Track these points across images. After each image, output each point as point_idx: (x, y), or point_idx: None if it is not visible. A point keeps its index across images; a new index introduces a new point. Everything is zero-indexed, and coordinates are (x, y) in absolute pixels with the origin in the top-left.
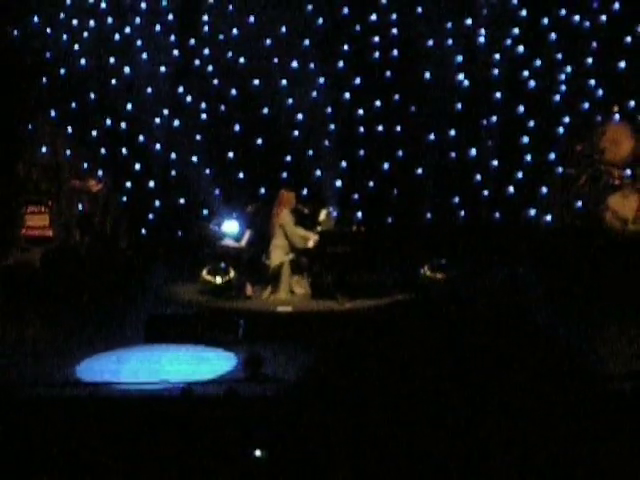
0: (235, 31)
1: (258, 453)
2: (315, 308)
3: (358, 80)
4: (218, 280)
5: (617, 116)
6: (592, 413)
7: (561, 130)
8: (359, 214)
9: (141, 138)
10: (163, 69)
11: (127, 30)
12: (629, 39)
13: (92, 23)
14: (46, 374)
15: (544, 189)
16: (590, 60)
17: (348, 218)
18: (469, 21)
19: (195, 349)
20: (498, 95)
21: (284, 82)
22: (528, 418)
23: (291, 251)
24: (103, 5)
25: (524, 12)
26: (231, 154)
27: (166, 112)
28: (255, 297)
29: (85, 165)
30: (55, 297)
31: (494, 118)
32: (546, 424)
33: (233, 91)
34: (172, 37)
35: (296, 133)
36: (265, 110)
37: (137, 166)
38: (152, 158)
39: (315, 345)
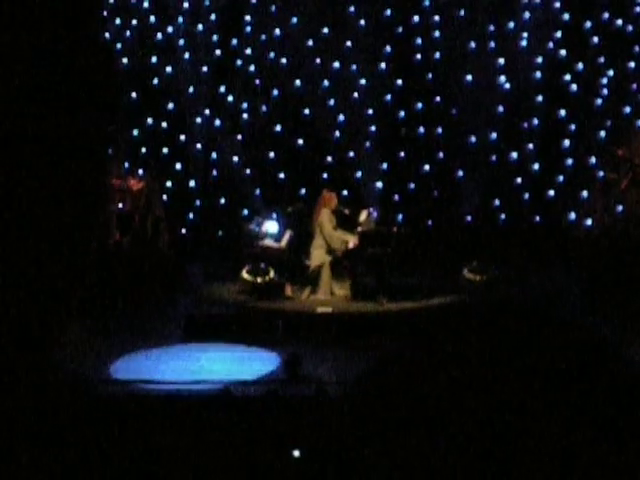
0: (277, 31)
1: (296, 453)
2: (355, 309)
3: (400, 82)
4: (258, 280)
5: None
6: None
7: (602, 134)
8: (399, 215)
9: (182, 137)
10: (205, 69)
11: (169, 29)
12: None
13: (134, 22)
14: (84, 372)
15: (585, 193)
16: (632, 64)
17: (389, 219)
18: (511, 24)
19: (235, 349)
20: (539, 98)
21: (326, 83)
22: (576, 418)
23: (330, 252)
24: (146, 4)
25: (566, 15)
26: (272, 154)
27: (207, 112)
28: (295, 298)
29: (126, 164)
30: (96, 295)
31: (535, 121)
32: (586, 422)
33: (275, 91)
34: (214, 37)
35: (337, 134)
36: (306, 111)
37: (178, 165)
38: (193, 158)
39: (354, 348)
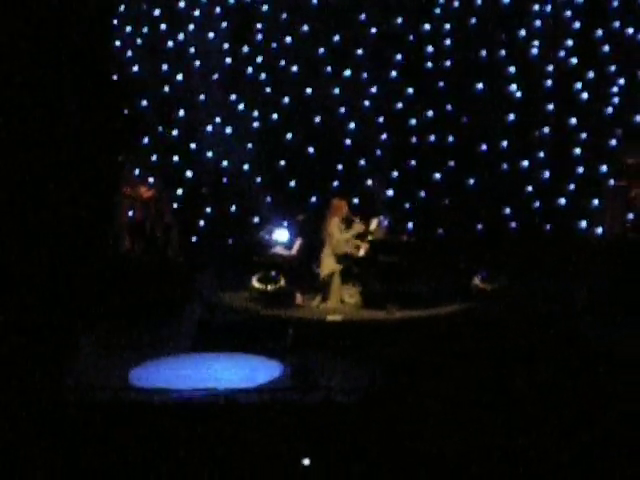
0: (288, 39)
1: (306, 462)
2: (365, 317)
3: (411, 90)
4: (268, 288)
5: None
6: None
7: (613, 142)
8: (410, 224)
9: (193, 145)
10: (216, 76)
11: (180, 37)
12: None
13: (145, 30)
14: (97, 379)
15: (595, 201)
16: None
17: (399, 228)
18: (522, 32)
19: (240, 357)
20: (550, 107)
21: (337, 91)
22: (573, 426)
23: (340, 261)
24: (157, 12)
25: (577, 24)
26: (283, 162)
27: (218, 120)
28: (305, 306)
29: (137, 172)
30: (106, 303)
31: (546, 129)
32: (597, 432)
33: (286, 99)
34: (225, 44)
35: (348, 142)
36: (317, 119)
37: (189, 173)
38: (204, 165)
39: (364, 356)
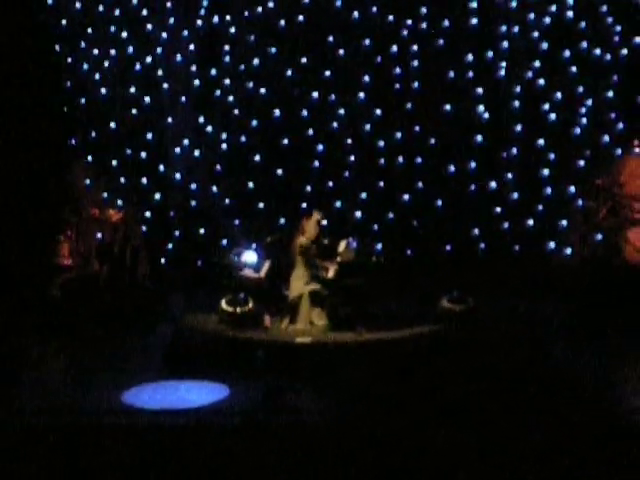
0: (256, 61)
1: None
2: (334, 339)
3: (379, 111)
4: (237, 310)
5: (637, 150)
6: (606, 446)
7: (581, 163)
8: (379, 245)
9: (161, 168)
10: (184, 99)
11: (148, 59)
12: None
13: (113, 52)
14: (62, 401)
15: (564, 222)
16: (611, 93)
17: (368, 249)
18: (490, 53)
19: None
20: (518, 128)
21: (305, 112)
22: (540, 449)
23: (309, 282)
24: (124, 34)
25: (545, 45)
26: (251, 184)
27: (186, 142)
28: (274, 328)
29: (105, 194)
30: (73, 326)
31: (514, 150)
32: (559, 456)
33: (254, 121)
34: (193, 67)
35: (316, 164)
36: (285, 140)
37: (157, 196)
38: (172, 188)
39: (333, 378)
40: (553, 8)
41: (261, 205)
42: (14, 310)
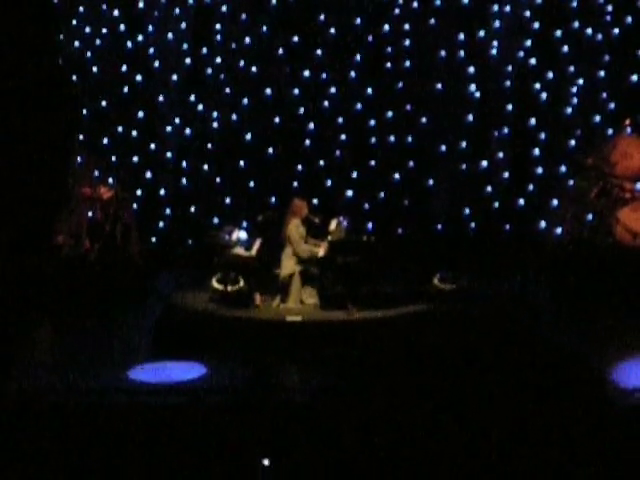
0: (247, 40)
1: (266, 462)
2: (325, 318)
3: (370, 90)
4: (228, 289)
5: (629, 129)
6: (602, 423)
7: (572, 143)
8: (370, 224)
9: (152, 146)
10: (175, 77)
11: (140, 38)
12: None
13: (104, 30)
14: (52, 381)
15: (555, 202)
16: (602, 73)
17: (359, 228)
18: (482, 33)
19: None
20: (509, 107)
21: (296, 91)
22: (533, 429)
23: (300, 261)
24: (116, 13)
25: (536, 24)
26: (242, 163)
27: (178, 120)
28: (264, 306)
29: (96, 173)
30: (63, 304)
31: (505, 130)
32: (553, 436)
33: (245, 100)
34: (184, 45)
35: (308, 142)
36: (277, 119)
37: (148, 174)
38: (163, 166)
39: (325, 356)
40: None
41: (252, 184)
42: (11, 289)
